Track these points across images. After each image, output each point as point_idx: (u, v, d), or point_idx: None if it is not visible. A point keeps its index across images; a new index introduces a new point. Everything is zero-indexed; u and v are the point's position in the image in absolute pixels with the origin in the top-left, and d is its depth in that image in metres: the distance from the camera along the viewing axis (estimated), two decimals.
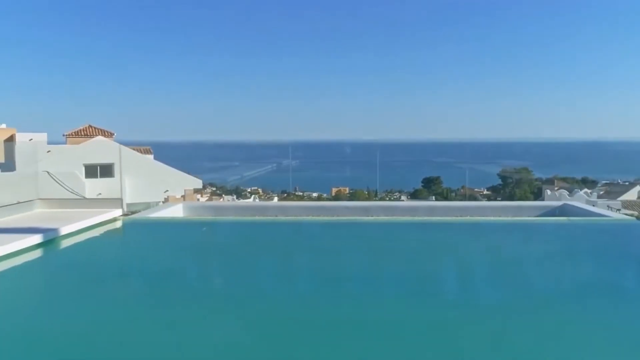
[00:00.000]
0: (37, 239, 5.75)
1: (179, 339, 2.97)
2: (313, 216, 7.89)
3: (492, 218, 7.66)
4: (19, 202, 7.63)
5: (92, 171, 31.61)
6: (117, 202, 7.91)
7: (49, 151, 34.78)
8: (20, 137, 36.18)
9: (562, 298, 3.76)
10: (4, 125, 35.74)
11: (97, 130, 39.90)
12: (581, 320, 3.30)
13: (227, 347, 2.87)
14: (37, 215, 7.56)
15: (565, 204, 8.53)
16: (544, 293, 3.88)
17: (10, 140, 33.54)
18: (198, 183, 31.50)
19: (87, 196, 21.27)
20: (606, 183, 45.80)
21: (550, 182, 47.82)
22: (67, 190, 16.82)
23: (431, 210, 8.39)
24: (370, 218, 7.81)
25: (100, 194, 22.92)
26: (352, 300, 3.70)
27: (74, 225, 6.45)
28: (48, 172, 17.21)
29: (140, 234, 7.34)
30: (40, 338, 3.04)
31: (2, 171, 19.81)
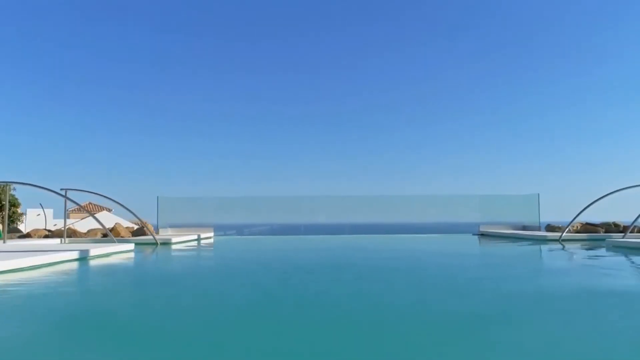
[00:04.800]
0: (194, 237, 14.50)
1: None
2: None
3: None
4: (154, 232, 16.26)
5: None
6: (211, 229, 16.71)
7: (55, 224, 41.79)
8: (30, 212, 43.27)
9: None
10: None
11: (96, 207, 47.15)
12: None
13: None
14: (175, 232, 16.14)
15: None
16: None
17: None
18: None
19: None
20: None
21: None
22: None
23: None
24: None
25: None
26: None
27: (205, 235, 15.35)
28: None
29: (224, 244, 16.06)
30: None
31: None
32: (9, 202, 26.46)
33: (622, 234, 12.41)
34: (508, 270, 7.41)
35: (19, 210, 26.85)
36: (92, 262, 7.90)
